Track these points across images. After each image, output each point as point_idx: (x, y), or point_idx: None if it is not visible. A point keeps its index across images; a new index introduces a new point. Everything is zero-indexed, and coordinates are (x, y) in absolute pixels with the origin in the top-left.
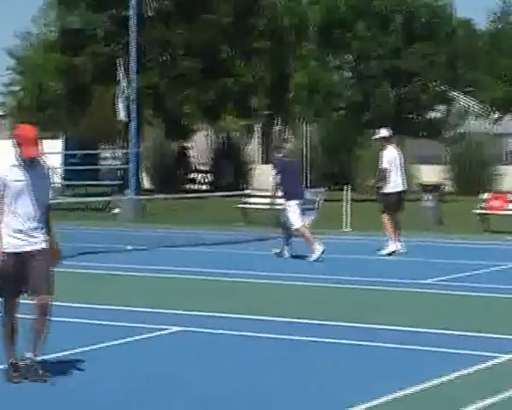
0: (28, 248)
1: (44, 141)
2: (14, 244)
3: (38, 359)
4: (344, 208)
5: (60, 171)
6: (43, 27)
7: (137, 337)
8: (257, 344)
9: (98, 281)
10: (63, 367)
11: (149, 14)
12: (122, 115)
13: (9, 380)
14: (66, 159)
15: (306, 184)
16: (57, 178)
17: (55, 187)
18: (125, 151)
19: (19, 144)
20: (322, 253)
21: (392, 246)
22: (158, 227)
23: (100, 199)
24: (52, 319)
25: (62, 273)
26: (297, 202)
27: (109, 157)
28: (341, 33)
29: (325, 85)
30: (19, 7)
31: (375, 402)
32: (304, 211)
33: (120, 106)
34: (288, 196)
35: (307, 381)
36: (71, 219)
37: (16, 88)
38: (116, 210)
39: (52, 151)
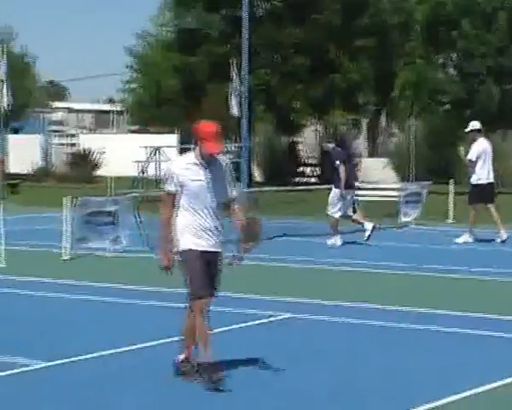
0: (213, 249)
1: (161, 135)
2: (199, 243)
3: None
4: (448, 201)
5: None
6: (160, 27)
7: (250, 323)
8: (366, 331)
9: None
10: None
11: (261, 14)
12: (235, 111)
13: (181, 375)
14: (182, 152)
15: (411, 177)
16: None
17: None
18: (237, 146)
19: (201, 139)
20: (338, 245)
21: (466, 237)
22: (268, 218)
23: None
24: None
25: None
26: (343, 191)
27: (222, 151)
28: (447, 31)
29: (430, 82)
30: (138, 8)
31: None
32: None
33: (233, 102)
34: (338, 185)
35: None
36: None
37: (135, 85)
38: None
39: (169, 145)
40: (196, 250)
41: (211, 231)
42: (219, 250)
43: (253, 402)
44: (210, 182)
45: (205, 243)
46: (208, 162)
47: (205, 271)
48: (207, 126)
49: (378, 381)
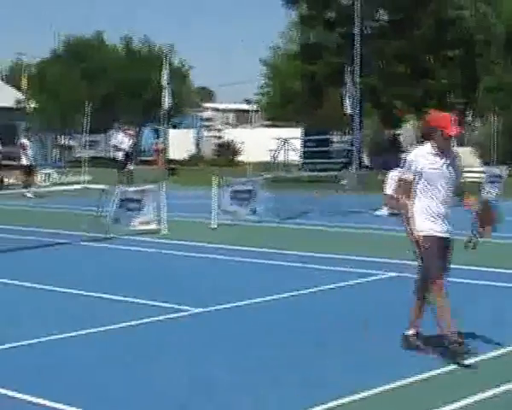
0: (447, 235)
1: (288, 129)
2: (436, 228)
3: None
4: None
5: (300, 152)
6: (288, 42)
7: (361, 280)
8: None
9: (331, 236)
10: (295, 305)
11: (369, 31)
12: (348, 109)
13: (411, 348)
14: (305, 143)
15: (493, 161)
16: (297, 157)
17: (297, 164)
18: (350, 137)
19: (440, 127)
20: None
21: None
22: (374, 195)
23: (331, 173)
24: (296, 264)
25: (300, 230)
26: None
27: (338, 141)
28: None
29: (507, 86)
30: (270, 26)
31: None
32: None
33: (347, 102)
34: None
35: None
36: (308, 189)
37: (268, 89)
38: (343, 181)
39: (295, 136)
40: (434, 235)
41: (444, 217)
42: (451, 237)
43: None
44: (445, 170)
45: (440, 229)
46: (444, 152)
47: (440, 254)
48: (444, 115)
49: None
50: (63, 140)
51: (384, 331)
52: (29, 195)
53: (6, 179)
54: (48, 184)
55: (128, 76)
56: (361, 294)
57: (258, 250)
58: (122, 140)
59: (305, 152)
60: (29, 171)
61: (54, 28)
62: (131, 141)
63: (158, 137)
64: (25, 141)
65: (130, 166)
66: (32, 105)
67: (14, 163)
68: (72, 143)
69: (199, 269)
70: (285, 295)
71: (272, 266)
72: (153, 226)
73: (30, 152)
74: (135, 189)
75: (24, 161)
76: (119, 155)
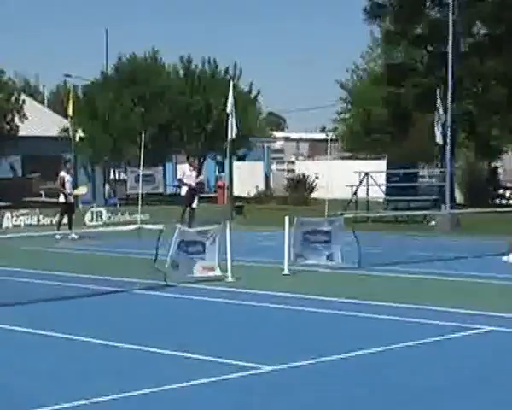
0: None
1: (370, 161)
2: None
3: None
4: None
5: (383, 188)
6: (370, 62)
7: (450, 336)
8: None
9: (415, 284)
10: (380, 361)
11: (464, 48)
12: (438, 139)
13: None
14: (389, 177)
15: None
16: (382, 194)
17: (380, 202)
18: (440, 170)
19: None
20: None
21: None
22: (470, 238)
23: (419, 213)
24: (375, 316)
25: (388, 277)
26: None
27: (426, 175)
28: None
29: None
30: (349, 44)
31: None
32: None
33: (438, 131)
34: None
35: None
36: (394, 230)
37: (346, 116)
38: (433, 222)
39: (377, 170)
40: None
41: None
42: None
43: None
44: None
45: None
46: None
47: None
48: None
49: None
50: (115, 174)
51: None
52: (57, 236)
53: (45, 219)
54: (98, 223)
55: (188, 101)
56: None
57: (336, 300)
58: (188, 174)
59: (389, 188)
60: (67, 210)
61: (104, 47)
62: (200, 177)
63: (222, 171)
64: (63, 174)
65: (194, 205)
66: (80, 134)
67: (56, 201)
68: (125, 177)
69: (269, 321)
70: (370, 350)
71: (353, 319)
72: (217, 273)
73: (68, 187)
74: (196, 230)
75: (61, 198)
76: (183, 191)
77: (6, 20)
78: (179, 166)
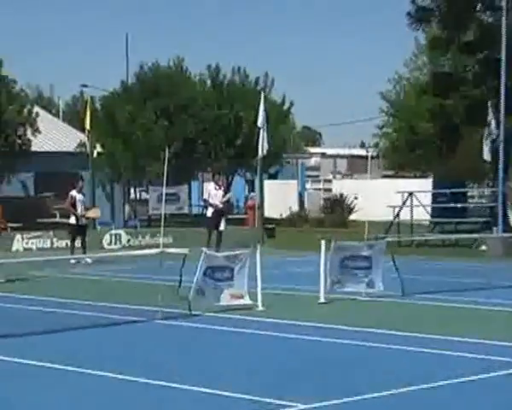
0: None
1: (415, 180)
2: None
3: None
4: None
5: (429, 209)
6: (414, 71)
7: (500, 372)
8: None
9: (464, 314)
10: (428, 401)
11: None
12: (486, 156)
13: None
14: (435, 197)
15: None
16: (427, 216)
17: (425, 224)
18: (491, 190)
19: None
20: None
21: None
22: None
23: (468, 236)
24: (428, 350)
25: (434, 307)
26: None
27: (476, 195)
28: None
29: None
30: (391, 53)
31: None
32: None
33: (486, 147)
34: None
35: None
36: (440, 254)
37: (388, 130)
38: (483, 247)
39: (422, 190)
40: None
41: None
42: None
43: None
44: None
45: None
46: None
47: None
48: None
49: None
50: (136, 193)
51: None
52: (72, 261)
53: (60, 242)
54: (117, 247)
55: (216, 114)
56: None
57: (377, 331)
58: (213, 193)
59: (435, 209)
60: (79, 232)
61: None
62: (227, 195)
63: (252, 191)
64: (74, 193)
65: (221, 227)
66: (98, 149)
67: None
68: (146, 196)
69: (303, 354)
70: (419, 387)
71: (396, 352)
72: (246, 301)
73: (80, 208)
74: (224, 254)
75: (72, 220)
76: (209, 212)
77: (18, 28)
78: (205, 185)
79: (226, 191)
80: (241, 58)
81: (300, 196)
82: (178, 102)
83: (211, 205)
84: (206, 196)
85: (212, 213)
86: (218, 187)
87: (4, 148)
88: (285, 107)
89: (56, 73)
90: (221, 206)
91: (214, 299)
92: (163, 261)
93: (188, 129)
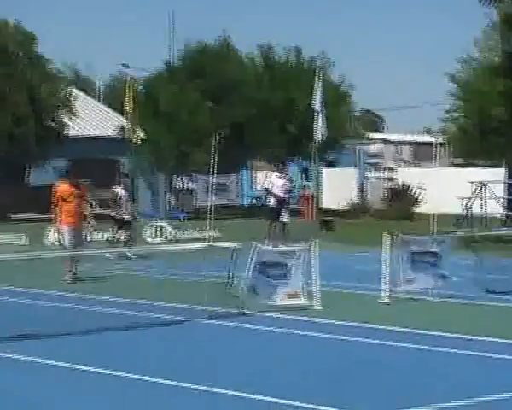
0: None
1: (486, 169)
2: None
3: None
4: None
5: (503, 200)
6: (485, 51)
7: None
8: None
9: None
10: None
11: None
12: None
13: None
14: (510, 188)
15: None
16: (500, 209)
17: (498, 217)
18: None
19: None
20: None
21: None
22: None
23: None
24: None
25: (504, 307)
26: None
27: None
28: None
29: None
30: (461, 30)
31: None
32: None
33: None
34: None
35: None
36: None
37: (457, 114)
38: None
39: (495, 180)
40: None
41: None
42: None
43: None
44: None
45: None
46: None
47: None
48: None
49: None
50: (181, 183)
51: None
52: (130, 254)
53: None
54: (160, 241)
55: (267, 97)
56: None
57: (446, 335)
58: (276, 183)
59: (510, 201)
60: (123, 225)
61: (167, 33)
62: (288, 184)
63: (307, 180)
64: (119, 191)
65: (285, 219)
66: (139, 135)
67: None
68: (193, 186)
69: (364, 359)
70: (495, 397)
71: (469, 358)
72: (302, 300)
73: (124, 206)
74: (278, 249)
75: (113, 213)
76: (271, 202)
77: (51, 3)
78: (259, 175)
79: (290, 180)
80: (295, 37)
81: (361, 185)
82: (226, 83)
83: (274, 195)
84: (267, 185)
85: (275, 204)
86: (280, 176)
87: (39, 132)
88: (344, 89)
89: (94, 52)
90: (284, 196)
91: (267, 297)
92: (211, 256)
93: (237, 113)
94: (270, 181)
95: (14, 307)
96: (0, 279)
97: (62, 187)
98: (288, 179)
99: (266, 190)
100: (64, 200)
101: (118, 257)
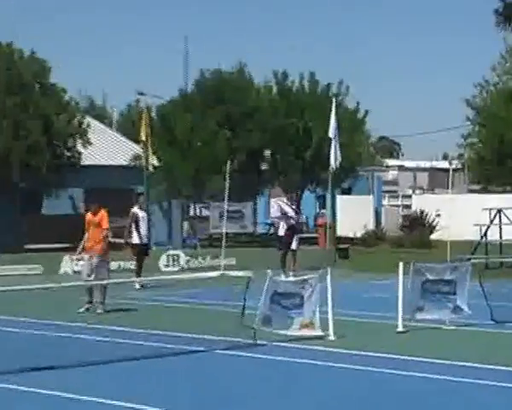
0: None
1: (504, 195)
2: None
3: None
4: None
5: None
6: (502, 76)
7: None
8: None
9: None
10: None
11: None
12: None
13: None
14: None
15: None
16: None
17: None
18: None
19: None
20: None
21: None
22: None
23: None
24: None
25: None
26: None
27: None
28: None
29: None
30: (477, 55)
31: None
32: None
33: None
34: None
35: None
36: None
37: (474, 140)
38: None
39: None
40: None
41: None
42: None
43: None
44: None
45: None
46: None
47: None
48: None
49: None
50: (195, 210)
51: None
52: (137, 286)
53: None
54: (174, 269)
55: (283, 124)
56: None
57: (463, 364)
58: (284, 209)
59: None
60: (142, 252)
61: (181, 62)
62: (297, 215)
63: (323, 207)
64: (136, 210)
65: (293, 246)
66: (154, 162)
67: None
68: (207, 213)
69: (380, 390)
70: None
71: (490, 389)
72: (316, 330)
73: (143, 227)
74: (292, 279)
75: (135, 239)
76: (281, 230)
77: (66, 32)
78: (278, 201)
79: (298, 208)
80: (310, 63)
81: (377, 212)
82: (242, 110)
83: (288, 218)
84: (278, 213)
85: (287, 232)
86: (288, 203)
87: (53, 160)
88: (359, 115)
89: (110, 81)
90: (294, 223)
91: (282, 328)
92: (225, 285)
93: (252, 140)
94: (280, 208)
95: (27, 338)
96: (15, 311)
97: (86, 217)
98: (297, 205)
99: (283, 214)
100: (87, 229)
101: (141, 287)
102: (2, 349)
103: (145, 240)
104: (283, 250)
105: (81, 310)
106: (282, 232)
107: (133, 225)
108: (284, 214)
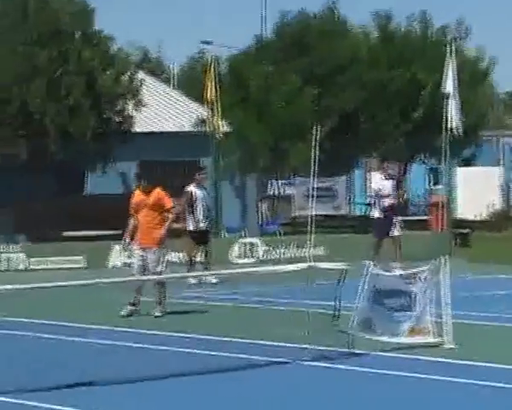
0: None
1: None
2: None
3: None
4: None
5: None
6: None
7: None
8: None
9: None
10: None
11: None
12: None
13: None
14: None
15: None
16: None
17: None
18: None
19: None
20: None
21: None
22: None
23: None
24: None
25: None
26: None
27: None
28: None
29: None
30: None
31: None
32: None
33: None
34: None
35: None
36: None
37: None
38: None
39: None
40: None
41: None
42: None
43: None
44: None
45: None
46: None
47: None
48: None
49: None
50: (275, 187)
51: None
52: (192, 280)
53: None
54: (250, 261)
55: (386, 77)
56: None
57: None
58: (383, 185)
59: None
60: (200, 241)
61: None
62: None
63: (436, 183)
64: (192, 189)
65: (395, 232)
66: (223, 128)
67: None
68: (290, 192)
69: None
70: None
71: None
72: (430, 336)
73: (200, 209)
74: (399, 273)
75: (190, 225)
76: (378, 213)
77: None
78: (373, 175)
79: (399, 183)
80: (420, 1)
81: (506, 188)
82: (333, 62)
83: (382, 201)
84: (375, 189)
85: (383, 214)
86: (386, 177)
87: (98, 127)
88: (483, 65)
89: (167, 27)
90: (392, 203)
91: (386, 334)
92: (313, 280)
93: (346, 98)
94: (377, 184)
95: (63, 345)
96: (51, 312)
97: (133, 196)
98: (395, 181)
99: (376, 195)
100: (137, 212)
101: (199, 283)
102: (36, 359)
103: (202, 225)
104: (378, 237)
105: (123, 313)
106: (376, 214)
107: (188, 208)
108: (379, 191)
